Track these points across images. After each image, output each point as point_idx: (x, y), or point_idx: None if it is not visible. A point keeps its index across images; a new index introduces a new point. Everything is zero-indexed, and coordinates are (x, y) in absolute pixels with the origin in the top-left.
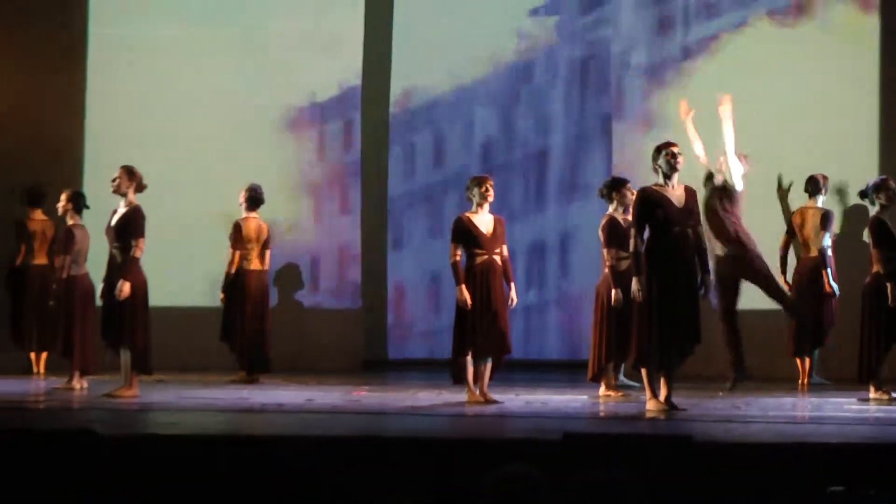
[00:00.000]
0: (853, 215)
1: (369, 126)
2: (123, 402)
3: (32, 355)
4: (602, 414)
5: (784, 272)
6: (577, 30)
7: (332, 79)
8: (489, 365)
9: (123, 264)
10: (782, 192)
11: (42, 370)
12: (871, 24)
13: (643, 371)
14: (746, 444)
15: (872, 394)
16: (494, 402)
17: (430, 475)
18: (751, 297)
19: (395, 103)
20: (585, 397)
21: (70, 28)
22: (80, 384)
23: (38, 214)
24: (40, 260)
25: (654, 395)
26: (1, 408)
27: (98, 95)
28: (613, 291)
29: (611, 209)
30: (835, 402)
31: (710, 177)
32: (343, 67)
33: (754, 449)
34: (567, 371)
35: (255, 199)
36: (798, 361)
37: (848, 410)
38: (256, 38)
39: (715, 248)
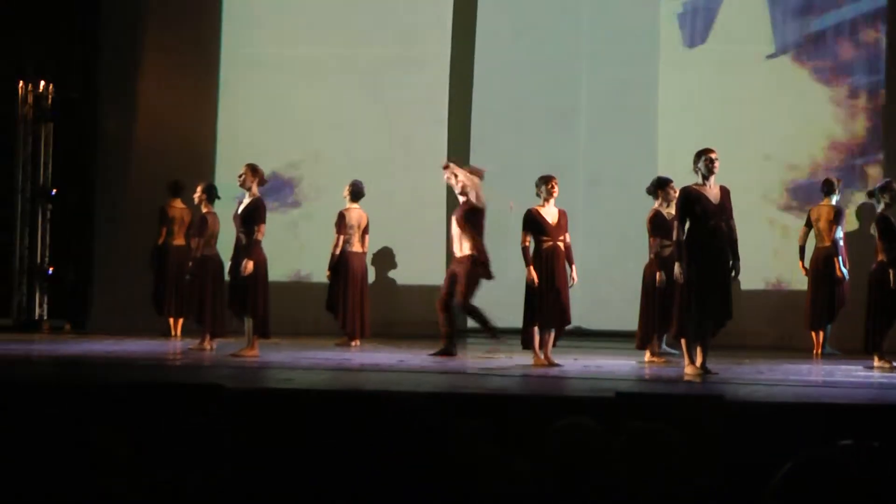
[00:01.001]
0: (862, 212)
1: (454, 132)
2: (246, 361)
3: (171, 321)
4: (648, 376)
5: (802, 259)
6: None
7: (423, 93)
8: (553, 334)
9: (247, 246)
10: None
11: (179, 334)
12: None
13: (682, 341)
14: (769, 403)
15: (876, 363)
16: (557, 365)
17: (503, 426)
18: (774, 278)
19: (475, 114)
20: (634, 362)
21: (206, 47)
22: (210, 346)
23: (178, 203)
24: (179, 241)
25: (692, 361)
26: (144, 364)
27: (228, 104)
28: (658, 274)
29: (656, 204)
30: (845, 369)
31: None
32: (432, 82)
33: (776, 407)
34: (618, 340)
35: (356, 193)
36: (813, 334)
37: (856, 376)
38: (358, 58)
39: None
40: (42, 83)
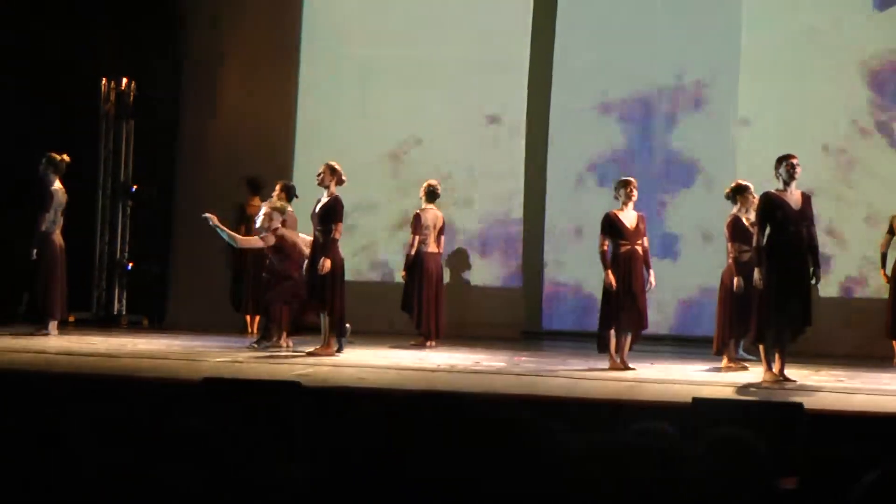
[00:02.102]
0: None
1: (531, 135)
2: (323, 359)
3: (248, 318)
4: (725, 382)
5: (884, 266)
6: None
7: (501, 95)
8: (629, 337)
9: (325, 244)
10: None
11: (255, 331)
12: None
13: (761, 347)
14: (848, 413)
15: None
16: (632, 369)
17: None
18: (854, 287)
19: (554, 117)
20: (711, 368)
21: (286, 47)
22: (286, 343)
23: (256, 201)
24: None
25: (770, 367)
26: (221, 361)
27: (308, 103)
28: (735, 279)
29: (735, 209)
30: None
31: None
32: (511, 84)
33: (855, 416)
34: (696, 345)
35: (432, 193)
36: (894, 343)
37: None
38: (437, 60)
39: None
40: (124, 81)
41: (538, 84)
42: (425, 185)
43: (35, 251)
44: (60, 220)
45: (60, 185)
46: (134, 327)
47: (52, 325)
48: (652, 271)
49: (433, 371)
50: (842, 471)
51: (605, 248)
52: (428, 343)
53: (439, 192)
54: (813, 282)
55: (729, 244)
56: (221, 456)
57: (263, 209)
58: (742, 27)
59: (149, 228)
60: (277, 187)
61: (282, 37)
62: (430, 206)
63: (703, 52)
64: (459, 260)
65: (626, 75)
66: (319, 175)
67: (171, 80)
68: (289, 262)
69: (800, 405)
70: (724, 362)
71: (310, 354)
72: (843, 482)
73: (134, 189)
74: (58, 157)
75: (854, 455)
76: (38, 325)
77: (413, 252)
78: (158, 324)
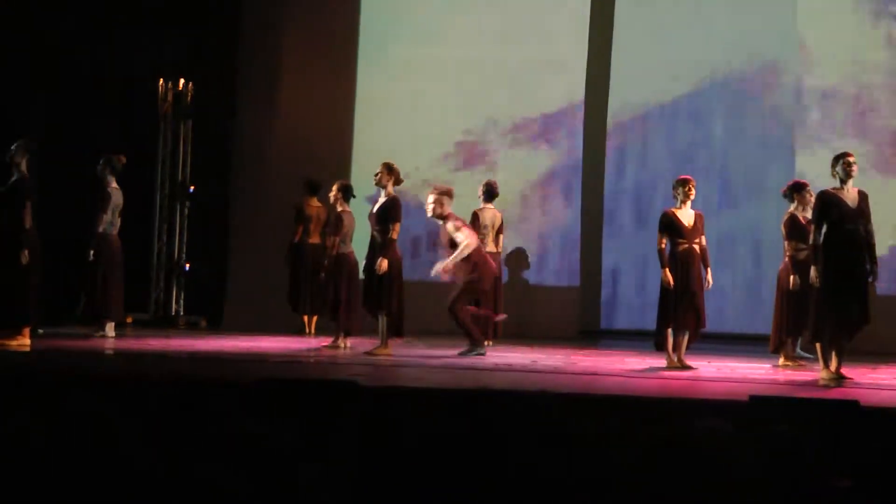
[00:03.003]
0: None
1: (590, 133)
2: (380, 359)
3: (305, 318)
4: (782, 380)
5: None
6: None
7: (560, 94)
8: (686, 336)
9: (382, 244)
10: None
11: (313, 331)
12: None
13: (818, 345)
14: None
15: None
16: (690, 367)
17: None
18: None
19: (612, 114)
20: (768, 366)
21: (344, 47)
22: (344, 343)
23: (314, 201)
24: (314, 239)
25: (827, 365)
26: (280, 361)
27: (365, 104)
28: (792, 277)
29: (792, 207)
30: None
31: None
32: (569, 83)
33: None
34: (752, 343)
35: (490, 192)
36: None
37: None
38: (496, 59)
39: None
40: (182, 81)
41: (596, 82)
42: (483, 183)
43: (92, 252)
44: (118, 221)
45: (117, 186)
46: (192, 328)
47: (110, 326)
48: (710, 270)
49: (491, 370)
50: None
51: (664, 246)
52: (486, 343)
53: (498, 190)
54: (870, 279)
55: (786, 242)
56: (276, 457)
57: (432, 196)
58: (796, 20)
59: (206, 229)
60: (335, 187)
61: (339, 37)
62: (489, 204)
63: (759, 49)
64: (519, 259)
65: (684, 74)
66: (377, 175)
67: (229, 81)
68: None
69: (856, 402)
70: (782, 360)
71: (367, 355)
72: None
73: (191, 190)
74: (115, 158)
75: None
76: (95, 326)
77: None
78: (216, 325)
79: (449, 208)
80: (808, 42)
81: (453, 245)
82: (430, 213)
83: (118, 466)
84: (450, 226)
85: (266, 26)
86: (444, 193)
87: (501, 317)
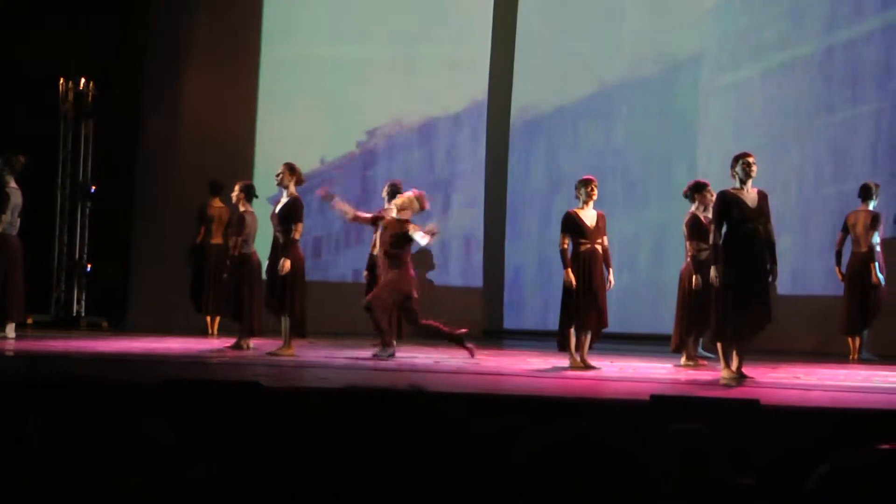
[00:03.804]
0: None
1: (493, 133)
2: (284, 359)
3: (208, 319)
4: (683, 380)
5: (839, 264)
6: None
7: (463, 94)
8: (589, 336)
9: (285, 245)
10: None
11: (216, 332)
12: None
13: (719, 345)
14: (805, 408)
15: None
16: (592, 367)
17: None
18: (811, 283)
19: (514, 115)
20: (669, 365)
21: (247, 48)
22: (247, 344)
23: (217, 202)
24: (217, 240)
25: (728, 364)
26: (183, 362)
27: (267, 104)
28: (694, 277)
29: (693, 208)
30: (882, 374)
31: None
32: (473, 83)
33: (811, 412)
34: (654, 343)
35: (394, 194)
36: (850, 339)
37: (893, 381)
38: (402, 58)
39: None
40: (83, 81)
41: (500, 82)
42: (387, 184)
43: None
44: (17, 222)
45: (16, 186)
46: (93, 329)
47: (10, 327)
48: (612, 270)
49: (395, 371)
50: (798, 466)
51: (566, 246)
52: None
53: (402, 190)
54: (770, 279)
55: (687, 242)
56: (176, 459)
57: (398, 204)
58: (703, 21)
59: (108, 230)
60: (236, 188)
61: (242, 35)
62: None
63: (664, 50)
64: (423, 259)
65: (589, 76)
66: (279, 175)
67: (132, 80)
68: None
69: (756, 401)
70: (683, 359)
71: (270, 355)
72: (798, 477)
73: (93, 190)
74: (14, 158)
75: (809, 450)
76: None
77: (374, 252)
78: (118, 326)
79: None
80: (711, 42)
81: (396, 245)
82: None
83: (17, 468)
84: (410, 227)
85: (169, 25)
86: (418, 199)
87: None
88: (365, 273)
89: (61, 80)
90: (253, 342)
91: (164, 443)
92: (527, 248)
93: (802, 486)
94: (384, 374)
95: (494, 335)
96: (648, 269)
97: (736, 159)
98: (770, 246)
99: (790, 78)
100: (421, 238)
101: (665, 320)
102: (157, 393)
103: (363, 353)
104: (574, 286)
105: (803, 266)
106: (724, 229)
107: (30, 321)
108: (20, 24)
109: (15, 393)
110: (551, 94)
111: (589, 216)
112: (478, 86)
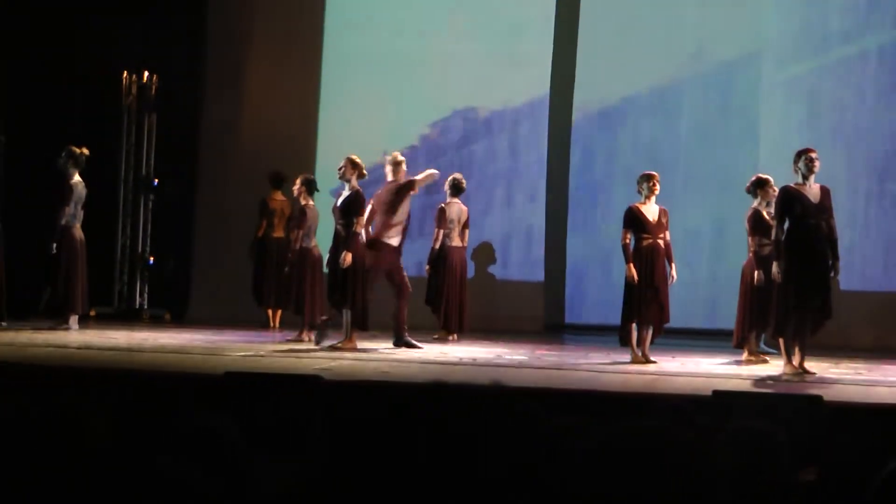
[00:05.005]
0: None
1: (555, 129)
2: (345, 352)
3: (270, 312)
4: (745, 375)
5: None
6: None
7: (525, 89)
8: (650, 331)
9: (346, 238)
10: None
11: (277, 325)
12: None
13: (781, 340)
14: (868, 404)
15: None
16: (654, 362)
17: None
18: (869, 278)
19: (576, 110)
20: (731, 361)
21: (310, 42)
22: (308, 337)
23: (278, 195)
24: (278, 233)
25: (790, 360)
26: (243, 354)
27: (330, 97)
28: (756, 273)
29: (755, 203)
30: None
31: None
32: (535, 79)
33: (876, 408)
34: (716, 339)
35: (456, 187)
36: None
37: None
38: (462, 52)
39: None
40: (146, 74)
41: (561, 79)
42: (450, 178)
43: (55, 245)
44: (81, 214)
45: (80, 179)
46: (156, 322)
47: (73, 319)
48: (674, 265)
49: (455, 364)
50: (861, 463)
51: (628, 241)
52: (451, 337)
53: (464, 185)
54: (832, 274)
55: (749, 238)
56: (239, 451)
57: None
58: (765, 16)
59: (171, 223)
60: (298, 181)
61: (305, 30)
62: (455, 199)
63: (726, 45)
64: (484, 254)
65: (652, 70)
66: (340, 169)
67: (194, 73)
68: None
69: (819, 397)
70: (745, 355)
71: (332, 349)
72: (862, 474)
73: (156, 183)
74: (77, 150)
75: (873, 447)
76: (58, 319)
77: (437, 246)
78: (180, 318)
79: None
80: (774, 35)
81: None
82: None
83: (82, 460)
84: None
85: (232, 18)
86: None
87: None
88: (427, 268)
89: (125, 73)
90: (313, 335)
91: (227, 436)
92: (588, 243)
93: (867, 484)
94: (448, 369)
95: (555, 330)
96: (709, 265)
97: (798, 155)
98: (832, 242)
99: (854, 71)
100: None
101: (727, 316)
102: (219, 385)
103: (425, 347)
104: (636, 281)
105: (864, 261)
106: (786, 225)
107: (93, 313)
108: (82, 17)
109: (78, 385)
110: (613, 88)
111: (651, 211)
112: (540, 80)
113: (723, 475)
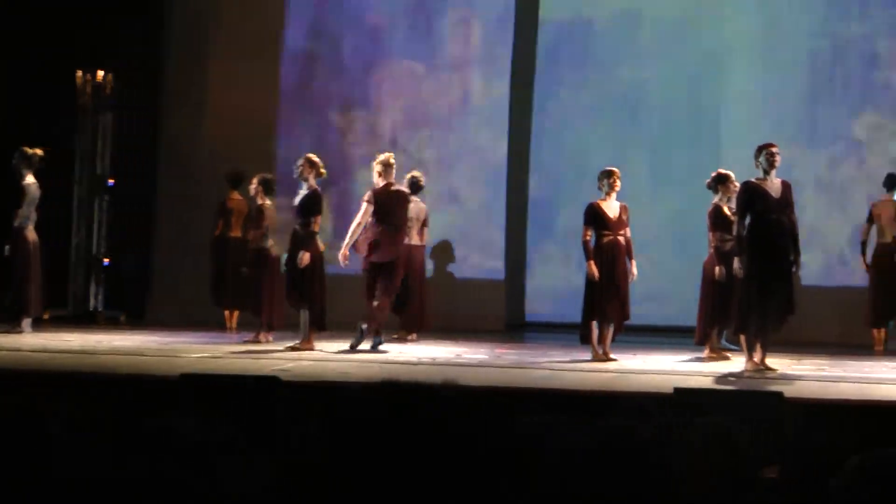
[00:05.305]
0: None
1: (515, 127)
2: (303, 353)
3: (227, 313)
4: (707, 372)
5: (864, 255)
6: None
7: (482, 93)
8: (611, 329)
9: (304, 238)
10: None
11: (234, 326)
12: None
13: (742, 337)
14: (830, 401)
15: None
16: (615, 360)
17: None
18: (835, 274)
19: (538, 103)
20: (693, 358)
21: (270, 41)
22: (266, 338)
23: (236, 195)
24: (236, 233)
25: (752, 357)
26: (200, 356)
27: (289, 96)
28: (717, 268)
29: (716, 198)
30: None
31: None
32: (492, 83)
33: (838, 405)
34: (677, 335)
35: (415, 185)
36: (875, 331)
37: None
38: (419, 55)
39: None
40: (101, 73)
41: (522, 76)
42: (408, 176)
43: (8, 247)
44: (34, 216)
45: (34, 180)
46: (111, 324)
47: (26, 322)
48: (634, 262)
49: (415, 364)
50: (823, 459)
51: (588, 238)
52: (410, 337)
53: (423, 183)
54: (794, 269)
55: (710, 234)
56: (197, 453)
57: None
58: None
59: (127, 224)
60: (255, 180)
61: (266, 29)
62: (414, 198)
63: (689, 44)
64: (443, 252)
65: (614, 68)
66: (298, 168)
67: (153, 72)
68: None
69: (780, 394)
70: (707, 352)
71: (290, 349)
72: (824, 471)
73: (111, 183)
74: (30, 151)
75: (834, 444)
76: (12, 322)
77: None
78: (137, 320)
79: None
80: (739, 36)
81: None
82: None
83: (34, 464)
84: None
85: (192, 16)
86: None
87: None
88: None
89: (79, 73)
90: (272, 336)
91: (187, 437)
92: (549, 240)
93: (828, 481)
94: (407, 368)
95: (516, 328)
96: (671, 261)
97: (759, 150)
98: (794, 237)
99: (813, 69)
100: None
101: (688, 313)
102: (176, 387)
103: (384, 348)
104: (597, 278)
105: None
106: (747, 220)
107: (47, 316)
108: (36, 14)
109: (32, 389)
110: (570, 87)
111: (612, 207)
112: (499, 81)
113: (684, 474)
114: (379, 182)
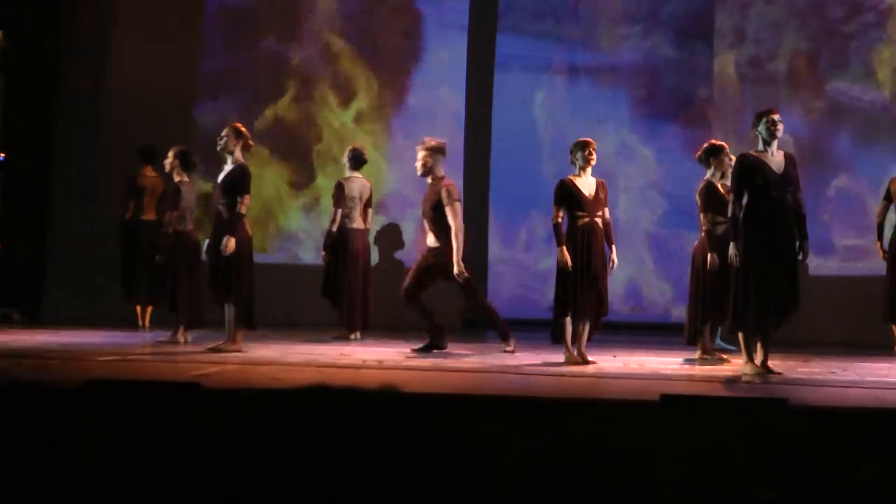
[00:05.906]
0: None
1: (471, 98)
2: (228, 355)
3: (138, 309)
4: (698, 377)
5: (880, 239)
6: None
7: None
8: (587, 326)
9: (230, 221)
10: None
11: (147, 324)
12: None
13: (740, 335)
14: (842, 408)
15: None
16: (592, 362)
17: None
18: (849, 265)
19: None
20: (682, 360)
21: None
22: (184, 338)
23: (149, 171)
24: (149, 216)
25: (750, 358)
26: (108, 359)
27: (211, 59)
28: (709, 256)
29: (708, 174)
30: None
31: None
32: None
33: (850, 412)
34: (665, 334)
35: (357, 159)
36: (894, 328)
37: None
38: (359, 22)
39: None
40: None
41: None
42: (349, 149)
43: None
44: None
45: None
46: (3, 322)
47: None
48: (614, 248)
49: (358, 368)
50: (831, 475)
51: (560, 220)
52: (353, 335)
53: (366, 157)
54: (800, 257)
55: (701, 215)
56: (102, 466)
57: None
58: None
59: (21, 205)
60: (171, 154)
61: None
62: (356, 174)
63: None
64: (390, 237)
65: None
66: (222, 139)
67: (51, 31)
68: None
69: (783, 400)
70: (699, 353)
71: (212, 350)
72: (833, 488)
73: (2, 158)
74: None
75: (844, 457)
76: None
77: (335, 228)
78: (33, 318)
79: (442, 169)
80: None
81: (436, 210)
82: (419, 172)
83: None
84: (444, 194)
85: None
86: (435, 150)
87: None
88: (324, 254)
89: None
90: (191, 335)
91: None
92: (514, 224)
93: (836, 498)
94: (349, 372)
95: (476, 326)
96: (657, 247)
97: (759, 117)
98: (800, 218)
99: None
100: None
101: (677, 307)
102: (79, 396)
103: (322, 349)
104: (570, 267)
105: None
106: (744, 199)
107: None
108: None
109: None
110: (533, 48)
111: (587, 184)
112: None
113: (671, 491)
114: (439, 172)
